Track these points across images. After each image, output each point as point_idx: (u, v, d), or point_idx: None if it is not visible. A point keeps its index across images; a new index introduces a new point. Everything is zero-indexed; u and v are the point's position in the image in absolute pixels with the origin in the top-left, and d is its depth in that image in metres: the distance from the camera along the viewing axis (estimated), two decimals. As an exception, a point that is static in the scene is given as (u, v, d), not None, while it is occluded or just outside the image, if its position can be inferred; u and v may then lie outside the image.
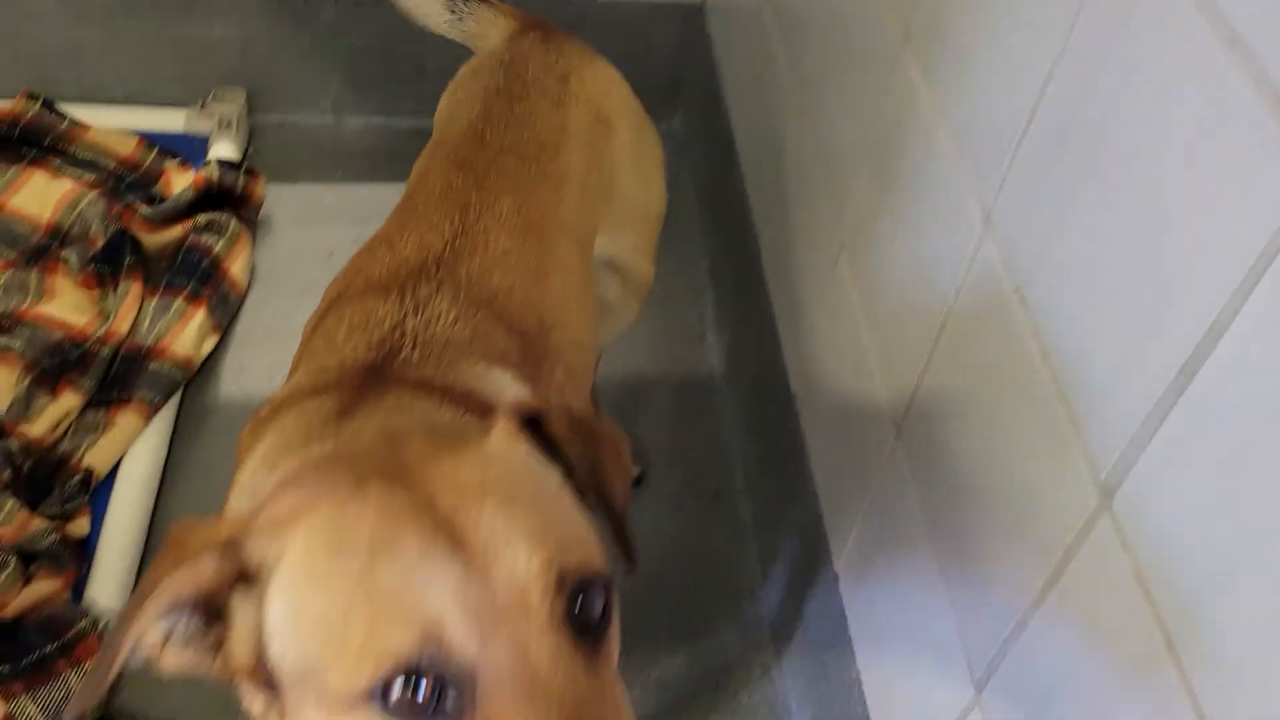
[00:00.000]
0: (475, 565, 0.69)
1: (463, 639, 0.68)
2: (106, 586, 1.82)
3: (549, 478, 0.81)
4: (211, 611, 0.75)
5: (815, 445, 1.70)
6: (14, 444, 1.92)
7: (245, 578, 0.74)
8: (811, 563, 1.67)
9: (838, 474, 1.59)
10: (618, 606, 0.81)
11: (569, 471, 0.83)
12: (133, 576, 1.87)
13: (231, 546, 0.73)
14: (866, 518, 1.46)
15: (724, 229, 2.30)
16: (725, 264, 2.30)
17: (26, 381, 2.00)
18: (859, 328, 1.49)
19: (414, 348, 1.12)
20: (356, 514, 0.72)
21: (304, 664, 0.72)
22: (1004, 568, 1.06)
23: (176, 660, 0.75)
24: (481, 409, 1.04)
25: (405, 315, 1.14)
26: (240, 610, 0.75)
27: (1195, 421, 0.78)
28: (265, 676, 0.75)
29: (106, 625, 1.75)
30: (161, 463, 2.03)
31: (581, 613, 0.74)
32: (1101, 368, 0.90)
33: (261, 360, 2.22)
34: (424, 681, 0.68)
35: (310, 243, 2.40)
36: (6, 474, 1.89)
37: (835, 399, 1.61)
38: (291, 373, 1.25)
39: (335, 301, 1.23)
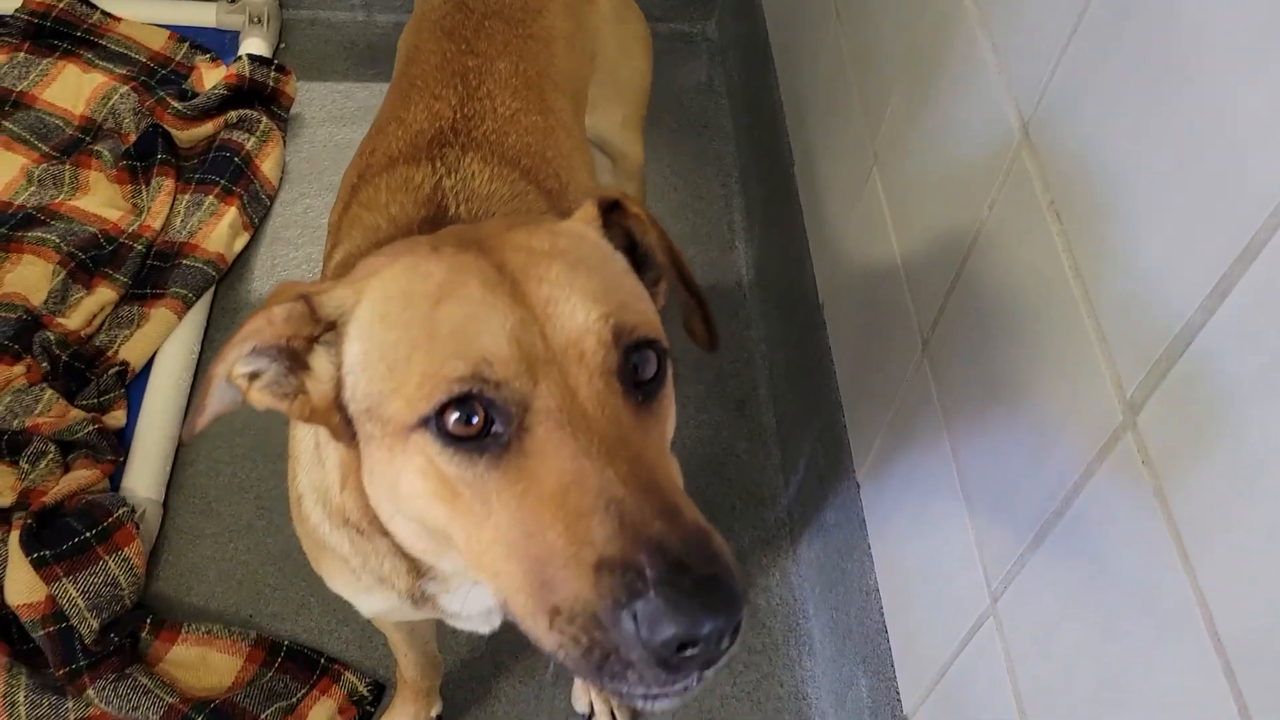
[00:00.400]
0: (535, 314, 0.76)
1: (515, 374, 0.74)
2: (143, 477, 1.86)
3: (618, 259, 0.88)
4: (295, 359, 0.83)
5: (841, 356, 1.70)
6: (51, 336, 1.95)
7: (328, 328, 0.82)
8: (834, 471, 1.68)
9: (863, 385, 1.60)
10: (673, 382, 0.85)
11: (645, 256, 0.90)
12: (168, 468, 1.91)
13: (313, 296, 0.80)
14: (890, 429, 1.46)
15: (757, 136, 2.27)
16: (757, 172, 2.27)
17: (62, 275, 2.02)
18: (889, 239, 1.47)
19: (459, 205, 1.14)
20: (428, 268, 0.79)
21: (372, 397, 0.79)
22: (1025, 481, 1.07)
23: (261, 399, 0.83)
24: None
25: (440, 177, 1.17)
26: (320, 357, 0.82)
27: (1224, 344, 0.77)
28: (339, 418, 0.82)
29: (143, 515, 1.80)
30: (195, 358, 2.06)
31: (636, 372, 0.79)
32: (1133, 285, 0.89)
33: (293, 257, 2.23)
34: (476, 410, 0.74)
35: (341, 140, 2.40)
36: (44, 365, 1.93)
37: (863, 310, 1.60)
38: (326, 259, 1.27)
39: (360, 181, 1.24)
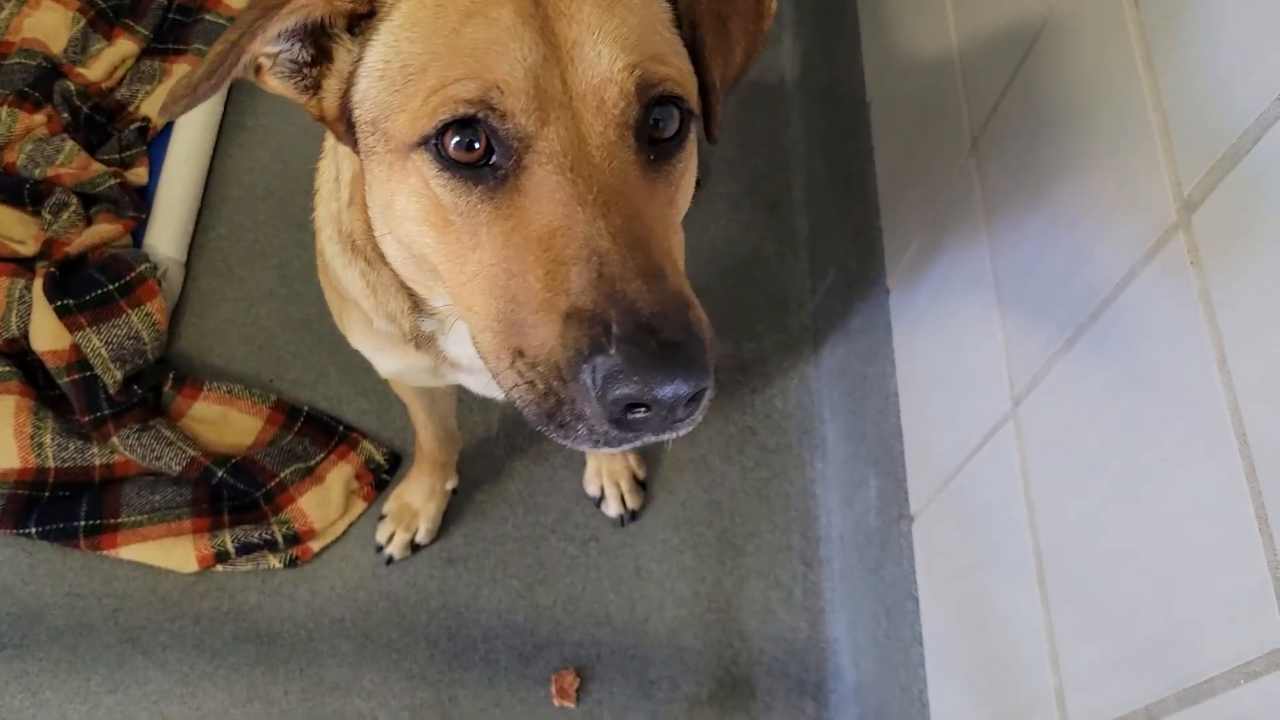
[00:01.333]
0: (559, 54, 0.71)
1: (524, 108, 0.71)
2: (164, 235, 1.85)
3: (660, 6, 0.79)
4: (320, 47, 0.79)
5: (883, 158, 1.63)
6: (72, 86, 1.90)
7: (368, 14, 0.76)
8: (864, 277, 1.65)
9: (903, 188, 1.54)
10: (695, 144, 0.80)
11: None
12: (190, 228, 1.90)
13: None
14: (926, 233, 1.42)
15: (815, -80, 2.13)
16: (812, -40, 2.14)
17: (82, 22, 1.96)
18: (948, 31, 1.39)
19: None
20: None
21: (380, 108, 0.76)
22: (1064, 282, 1.03)
23: (276, 85, 0.79)
24: None
25: None
26: (344, 51, 0.78)
27: (1304, 133, 0.72)
28: (346, 121, 0.79)
29: (165, 273, 1.80)
30: (218, 120, 2.01)
31: (657, 127, 0.75)
32: (1205, 80, 0.83)
33: (320, 23, 2.14)
34: (478, 137, 0.71)
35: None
36: (65, 115, 1.89)
37: (912, 109, 1.53)
38: None
39: None
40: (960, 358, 1.29)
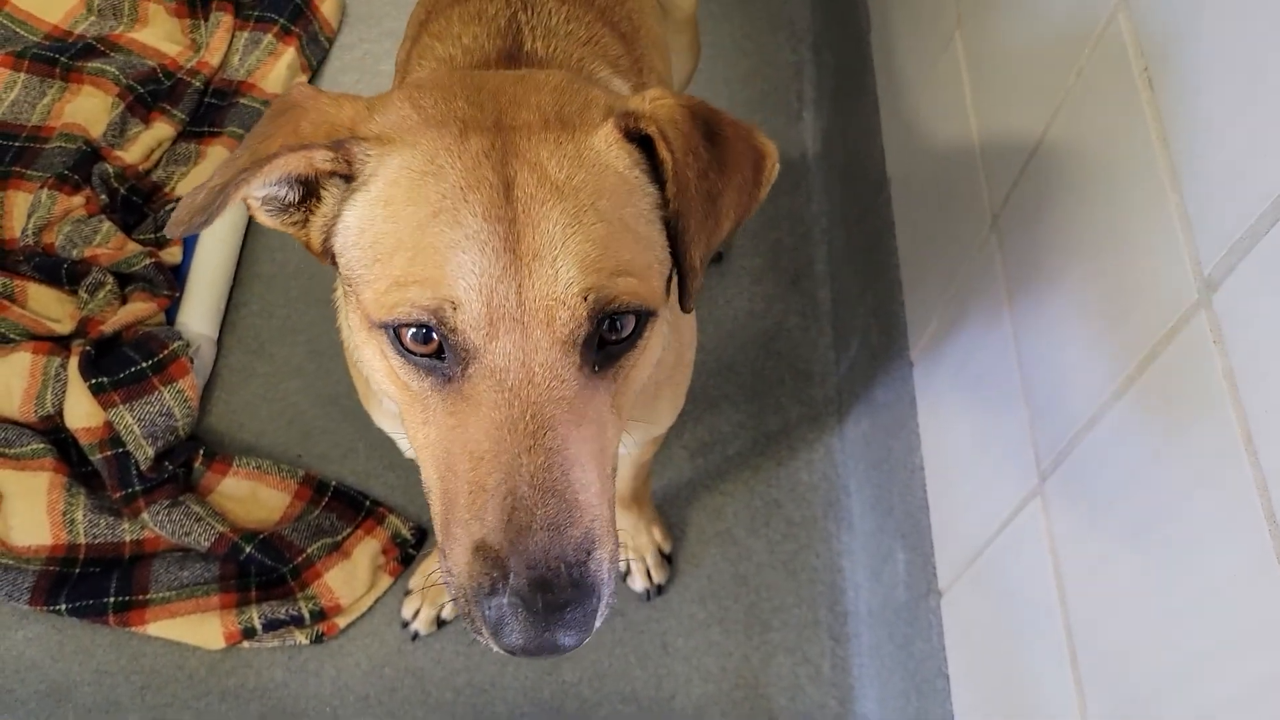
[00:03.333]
0: (519, 264, 0.72)
1: (475, 324, 0.72)
2: (197, 313, 1.88)
3: (640, 196, 0.79)
4: (309, 188, 0.81)
5: (904, 233, 1.65)
6: (110, 168, 1.96)
7: (347, 176, 0.79)
8: (887, 350, 1.66)
9: (925, 263, 1.56)
10: (659, 331, 0.83)
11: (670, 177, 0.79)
12: (222, 305, 1.93)
13: (347, 147, 0.77)
14: (948, 308, 1.43)
15: (833, 1, 2.17)
16: (830, 39, 2.18)
17: (121, 107, 2.02)
18: (967, 111, 1.41)
19: (536, 39, 1.11)
20: (445, 165, 0.74)
21: (352, 270, 0.79)
22: (1088, 361, 1.03)
23: (266, 220, 0.82)
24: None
25: (515, 10, 1.13)
26: (329, 196, 0.80)
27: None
28: (331, 258, 0.82)
29: (198, 350, 1.83)
30: (251, 199, 2.05)
31: (610, 331, 0.76)
32: (1222, 161, 0.84)
33: (350, 105, 2.20)
34: (431, 339, 0.75)
35: (403, -14, 2.34)
36: (103, 197, 1.94)
37: (932, 185, 1.55)
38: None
39: (429, 16, 1.21)
40: (985, 432, 1.29)
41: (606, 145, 0.78)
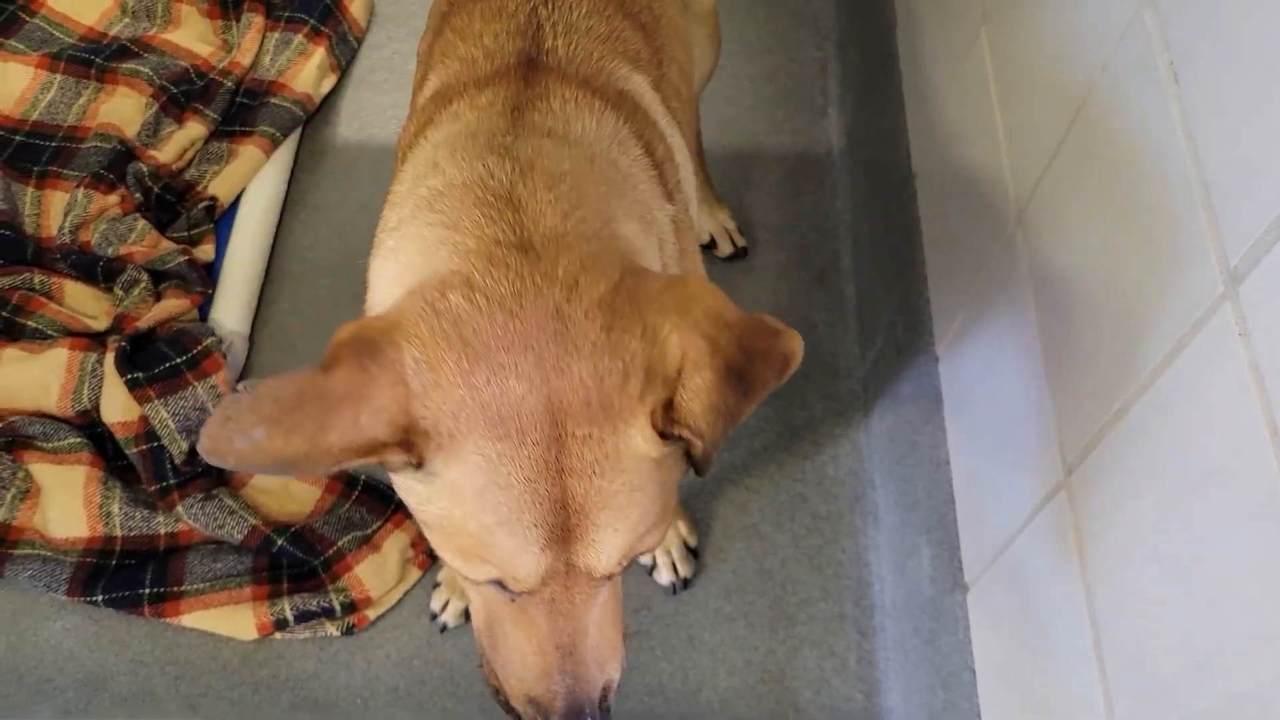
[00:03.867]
0: (570, 555, 0.83)
1: (530, 586, 0.85)
2: (229, 310, 1.91)
3: (671, 461, 0.85)
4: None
5: (930, 228, 1.65)
6: (144, 167, 1.99)
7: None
8: (913, 345, 1.66)
9: (950, 258, 1.56)
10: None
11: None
12: (254, 302, 1.96)
13: (417, 448, 0.79)
14: (974, 302, 1.43)
15: (858, -3, 2.18)
16: (855, 35, 2.18)
17: (155, 108, 2.05)
18: (992, 106, 1.41)
19: (557, 37, 1.11)
20: (509, 478, 0.79)
21: (419, 512, 0.86)
22: (1113, 354, 1.04)
23: None
24: (634, 113, 1.08)
25: (535, 5, 1.13)
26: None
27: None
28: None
29: (230, 346, 1.86)
30: (281, 197, 2.08)
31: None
32: (1247, 155, 0.84)
33: (379, 102, 2.22)
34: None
35: (431, -14, 2.36)
36: (138, 196, 1.97)
37: (957, 181, 1.55)
38: (417, 89, 1.26)
39: (451, 9, 1.21)
40: (1011, 426, 1.30)
41: (644, 440, 0.81)
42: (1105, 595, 1.04)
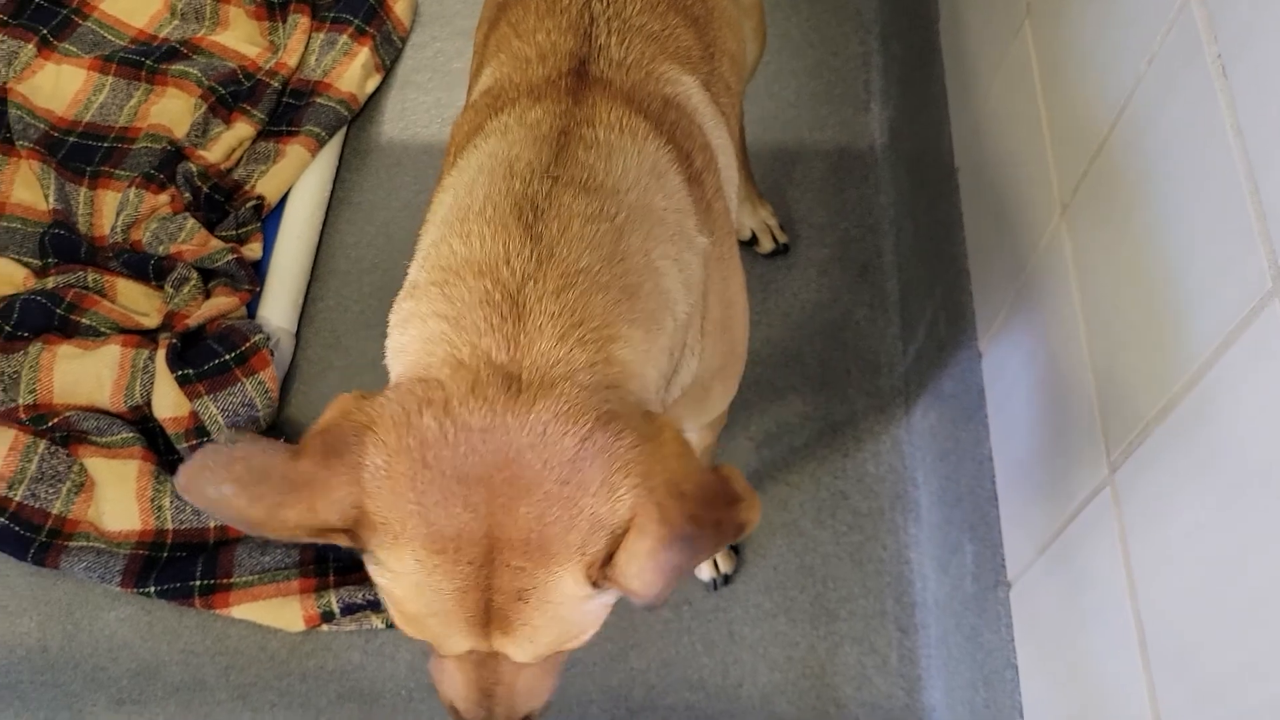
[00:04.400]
0: (489, 644, 0.88)
1: (457, 654, 0.91)
2: (276, 307, 1.94)
3: (598, 601, 0.87)
4: None
5: (972, 223, 1.64)
6: (193, 167, 2.02)
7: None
8: (955, 340, 1.65)
9: (993, 253, 1.55)
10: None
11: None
12: (300, 300, 1.99)
13: (361, 538, 0.84)
14: (1018, 298, 1.42)
15: (901, -10, 2.17)
16: (898, 29, 2.17)
17: (203, 108, 2.08)
18: (1036, 100, 1.40)
19: (610, 34, 1.12)
20: (441, 584, 0.84)
21: (379, 588, 0.91)
22: (1159, 350, 1.03)
23: None
24: (676, 125, 1.09)
25: (590, 0, 1.14)
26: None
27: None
28: None
29: (277, 343, 1.89)
30: (327, 196, 2.11)
31: None
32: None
33: (423, 101, 2.24)
34: None
35: (473, -15, 2.38)
36: (187, 195, 2.01)
37: (1000, 176, 1.54)
38: (473, 78, 1.27)
39: (506, 2, 1.22)
40: (1055, 423, 1.29)
41: (574, 584, 0.84)
42: (1150, 593, 1.03)
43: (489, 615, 0.85)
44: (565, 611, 0.85)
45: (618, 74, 1.10)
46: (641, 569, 0.81)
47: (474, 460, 0.82)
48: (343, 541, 0.84)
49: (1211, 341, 0.92)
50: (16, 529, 1.73)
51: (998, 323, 1.50)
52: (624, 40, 1.12)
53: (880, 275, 2.03)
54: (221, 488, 0.79)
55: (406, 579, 0.84)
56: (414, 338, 0.91)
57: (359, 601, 1.68)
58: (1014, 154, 1.48)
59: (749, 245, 2.02)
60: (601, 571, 0.82)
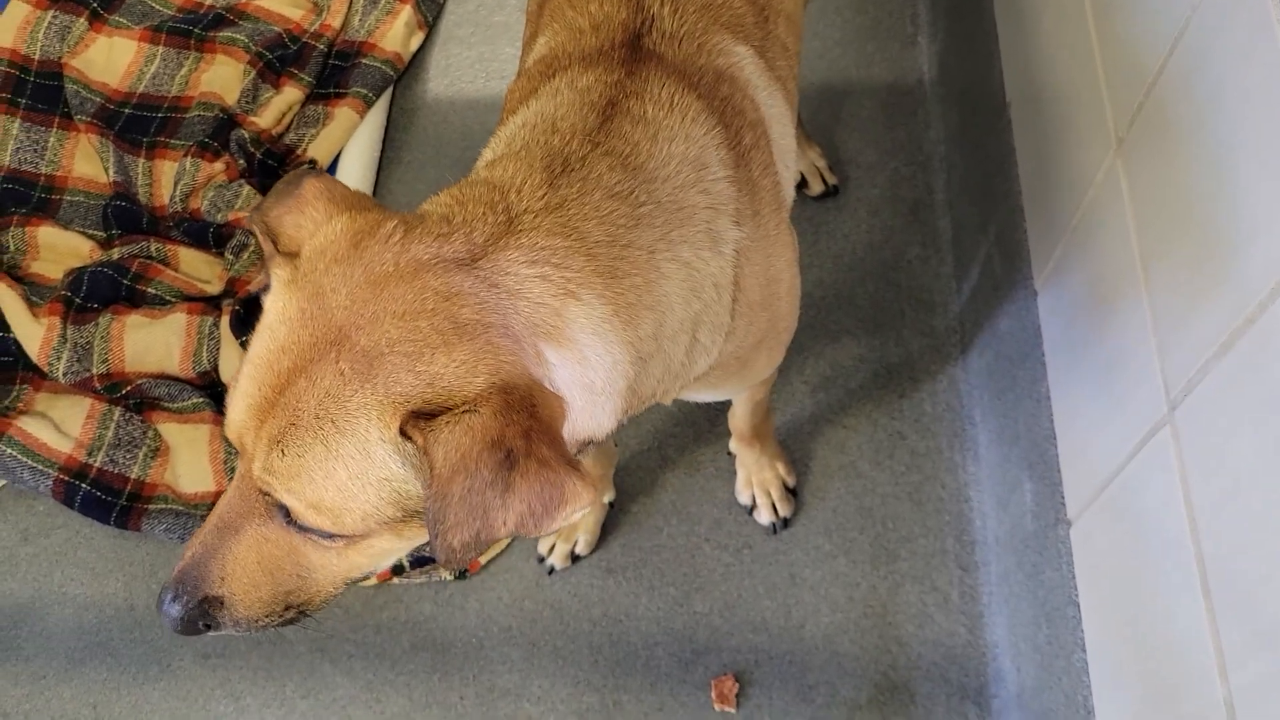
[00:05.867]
0: (257, 444, 0.88)
1: (231, 434, 0.92)
2: (334, 269, 1.97)
3: (378, 471, 0.85)
4: None
5: (1025, 158, 1.62)
6: (246, 134, 2.05)
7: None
8: (1010, 279, 1.64)
9: (1047, 189, 1.53)
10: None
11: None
12: (356, 262, 2.02)
13: (269, 260, 0.93)
14: (1073, 234, 1.40)
15: (947, -82, 2.11)
16: (945, -41, 2.12)
17: (252, 74, 2.11)
18: (1088, 29, 1.37)
19: (662, 4, 1.12)
20: (282, 333, 0.87)
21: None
22: (1217, 285, 1.02)
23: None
24: (728, 100, 1.09)
25: None
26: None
27: None
28: None
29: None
30: (377, 156, 2.13)
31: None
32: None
33: (467, 56, 2.25)
34: None
35: (511, -65, 2.36)
36: (241, 162, 2.04)
37: (1053, 109, 1.51)
38: (526, 46, 1.27)
39: None
40: (1113, 360, 1.28)
41: (378, 417, 0.83)
42: (1212, 531, 1.03)
43: (280, 405, 0.85)
44: (346, 449, 0.84)
45: (670, 47, 1.10)
46: (451, 447, 0.79)
47: (384, 270, 0.86)
48: (268, 251, 0.92)
49: (1272, 277, 0.91)
50: (98, 494, 1.80)
51: (1053, 259, 1.48)
52: (676, 10, 1.12)
53: (932, 214, 2.01)
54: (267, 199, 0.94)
55: (270, 312, 0.89)
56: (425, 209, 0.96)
57: (427, 554, 1.73)
58: (1067, 86, 1.45)
59: (799, 188, 2.01)
60: (416, 422, 0.81)
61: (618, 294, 0.93)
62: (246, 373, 0.88)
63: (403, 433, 0.82)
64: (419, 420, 0.81)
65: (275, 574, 0.95)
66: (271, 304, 0.89)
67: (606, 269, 0.93)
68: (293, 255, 0.90)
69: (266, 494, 0.88)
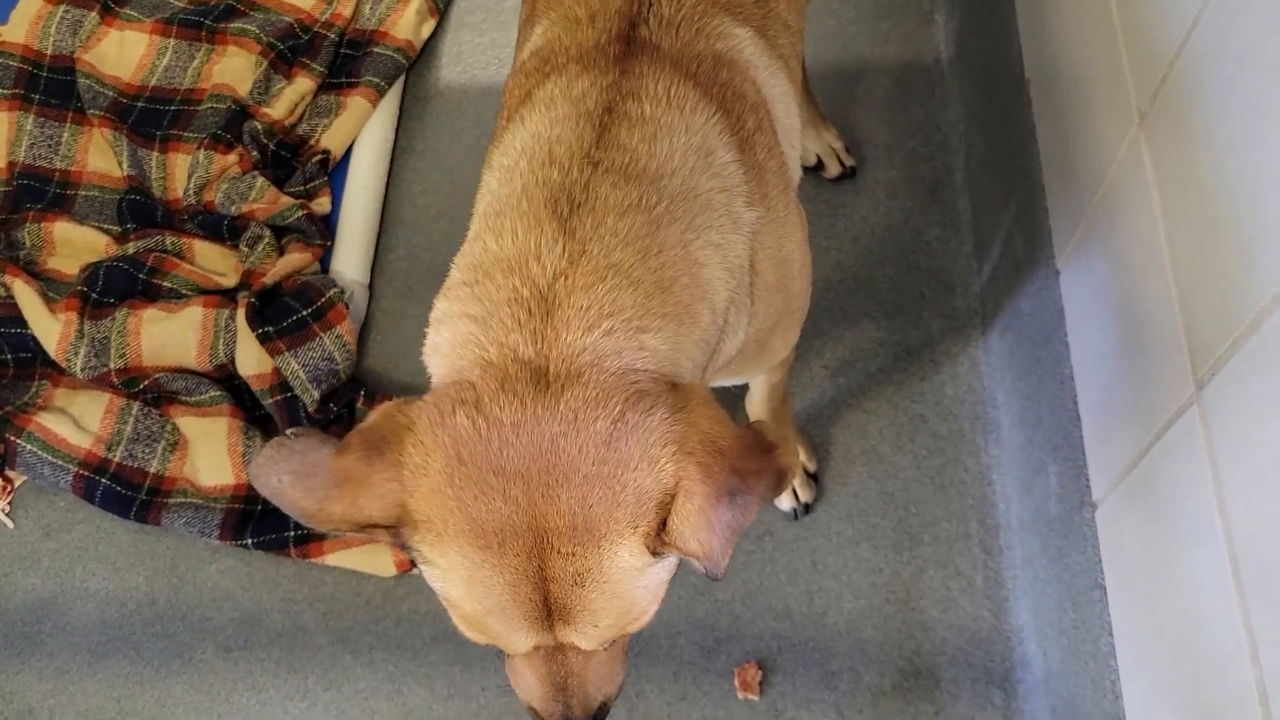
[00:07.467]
0: (553, 637, 0.90)
1: (522, 653, 0.93)
2: (348, 260, 1.97)
3: (659, 573, 0.89)
4: None
5: (1046, 136, 1.59)
6: (259, 125, 2.05)
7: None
8: (1031, 259, 1.61)
9: (1068, 167, 1.50)
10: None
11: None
12: (371, 251, 2.01)
13: (403, 536, 0.86)
14: (1096, 213, 1.38)
15: (963, -107, 2.08)
16: (961, -66, 2.09)
17: (264, 65, 2.10)
18: (1109, 3, 1.34)
19: None
20: (490, 579, 0.85)
21: (438, 593, 0.92)
22: (1243, 263, 0.99)
23: None
24: (727, 85, 1.07)
25: None
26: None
27: None
28: None
29: (352, 295, 1.92)
30: (390, 146, 2.12)
31: None
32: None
33: (479, 42, 2.23)
34: None
35: (521, -80, 2.34)
36: (254, 154, 2.03)
37: (1073, 85, 1.48)
38: (522, 29, 1.26)
39: None
40: (1137, 340, 1.25)
41: (631, 556, 0.85)
42: (1242, 513, 1.01)
43: (548, 607, 0.86)
44: (623, 588, 0.87)
45: (667, 35, 1.08)
46: (695, 528, 0.83)
47: (509, 454, 0.84)
48: (387, 539, 0.87)
49: (1302, 253, 0.89)
50: (118, 489, 1.80)
51: (1075, 239, 1.46)
52: None
53: (951, 194, 1.98)
54: (282, 478, 0.84)
55: (455, 576, 0.86)
56: (446, 340, 0.92)
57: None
58: (1087, 61, 1.42)
59: (815, 170, 1.99)
60: (658, 539, 0.84)
61: (676, 304, 0.93)
62: (495, 626, 0.89)
63: (656, 553, 0.86)
64: (659, 532, 0.84)
65: (617, 662, 1.02)
66: (446, 565, 0.86)
67: (653, 285, 0.92)
68: (403, 522, 0.86)
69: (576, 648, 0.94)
